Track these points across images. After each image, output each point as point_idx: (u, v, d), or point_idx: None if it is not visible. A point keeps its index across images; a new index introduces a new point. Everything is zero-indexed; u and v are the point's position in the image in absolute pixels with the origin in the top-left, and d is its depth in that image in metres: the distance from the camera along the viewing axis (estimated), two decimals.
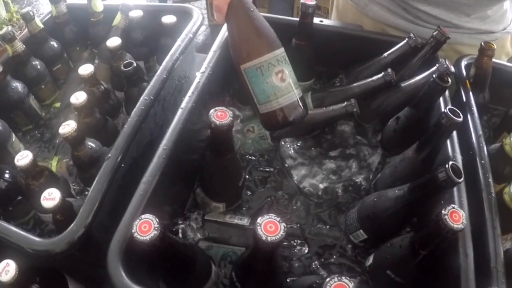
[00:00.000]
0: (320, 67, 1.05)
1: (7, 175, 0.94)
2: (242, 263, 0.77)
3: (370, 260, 0.85)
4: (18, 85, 1.07)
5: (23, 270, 0.75)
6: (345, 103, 0.94)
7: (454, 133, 0.87)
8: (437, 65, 0.95)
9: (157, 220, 0.66)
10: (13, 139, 1.04)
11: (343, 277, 0.57)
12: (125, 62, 0.98)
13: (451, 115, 0.77)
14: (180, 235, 0.87)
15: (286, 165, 0.95)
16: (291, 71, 0.84)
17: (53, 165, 1.06)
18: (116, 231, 0.75)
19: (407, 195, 0.80)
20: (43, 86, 1.14)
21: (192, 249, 0.80)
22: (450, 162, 0.72)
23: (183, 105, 0.89)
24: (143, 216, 0.67)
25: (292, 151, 0.96)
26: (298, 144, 0.98)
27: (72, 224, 0.78)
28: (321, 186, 0.93)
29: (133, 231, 0.65)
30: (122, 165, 0.85)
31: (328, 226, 0.90)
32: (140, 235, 0.65)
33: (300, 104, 0.84)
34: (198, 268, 0.81)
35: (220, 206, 0.91)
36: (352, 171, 0.95)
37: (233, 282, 0.79)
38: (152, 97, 0.92)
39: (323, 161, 0.96)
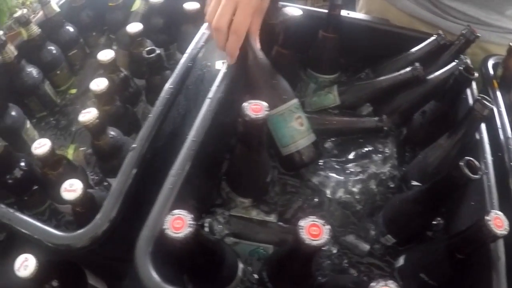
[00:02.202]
0: (345, 60, 0.96)
1: (22, 164, 0.83)
2: (276, 264, 0.68)
3: (401, 261, 0.77)
4: (33, 70, 0.96)
5: (42, 265, 0.65)
6: (377, 118, 0.88)
7: (484, 132, 0.80)
8: (457, 61, 0.87)
9: (191, 216, 0.57)
10: (28, 126, 0.94)
11: (388, 282, 0.51)
12: (147, 48, 0.87)
13: (484, 101, 0.72)
14: (207, 230, 0.78)
15: (317, 183, 0.86)
16: (306, 117, 0.85)
17: (70, 153, 0.95)
18: (144, 225, 0.65)
19: (426, 195, 0.73)
20: (58, 72, 1.02)
21: (221, 246, 0.72)
22: (466, 158, 0.67)
23: (210, 95, 0.79)
24: (175, 212, 0.57)
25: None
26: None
27: (96, 218, 0.68)
28: (355, 189, 0.84)
29: (165, 227, 0.56)
30: (147, 156, 0.76)
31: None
32: (173, 232, 0.56)
33: (315, 146, 0.85)
34: (226, 266, 0.72)
35: (246, 202, 0.82)
36: (377, 165, 0.87)
37: (263, 282, 0.71)
38: (177, 86, 0.82)
39: (345, 166, 0.87)
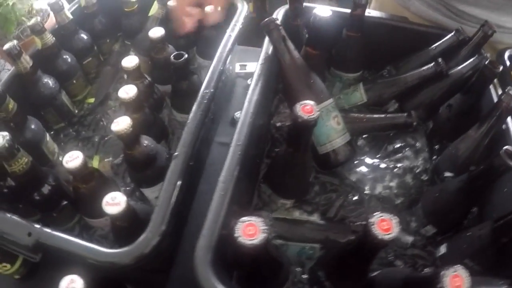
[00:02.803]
0: (367, 58, 0.94)
1: (50, 179, 0.76)
2: (337, 262, 0.65)
3: (443, 250, 0.75)
4: (49, 80, 0.89)
5: (89, 286, 0.59)
6: (405, 114, 0.86)
7: (510, 122, 0.80)
8: (477, 55, 0.87)
9: (261, 220, 0.53)
10: (48, 139, 0.86)
11: (458, 268, 0.52)
12: (175, 53, 0.82)
13: None
14: None
15: (354, 180, 0.83)
16: (341, 116, 0.83)
17: (95, 165, 0.88)
18: (200, 235, 0.61)
19: (467, 185, 0.72)
20: (74, 81, 0.95)
21: (279, 250, 0.68)
22: (505, 148, 0.67)
23: (248, 98, 0.75)
24: (244, 219, 0.53)
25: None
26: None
27: (146, 232, 0.63)
28: (393, 184, 0.82)
29: (237, 235, 0.52)
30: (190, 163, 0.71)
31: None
32: (247, 240, 0.51)
33: (350, 145, 0.83)
34: (283, 268, 0.68)
35: (288, 203, 0.78)
36: (410, 159, 0.85)
37: (319, 281, 0.67)
38: (212, 90, 0.78)
39: (379, 163, 0.85)
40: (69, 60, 0.93)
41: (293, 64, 0.80)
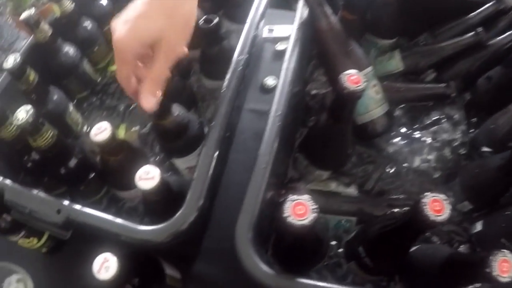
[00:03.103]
0: (403, 24, 0.87)
1: (77, 152, 0.71)
2: (380, 239, 0.61)
3: (478, 227, 0.72)
4: (70, 49, 0.83)
5: (123, 264, 0.55)
6: (444, 84, 0.81)
7: None
8: None
9: (310, 199, 0.49)
10: (71, 109, 0.81)
11: (507, 253, 0.49)
12: (204, 17, 0.75)
13: None
14: None
15: (392, 151, 0.78)
16: (380, 85, 0.78)
17: (121, 134, 0.83)
18: (240, 211, 0.58)
19: (509, 162, 0.67)
20: (96, 48, 0.89)
21: (322, 226, 0.64)
22: None
23: (285, 65, 0.70)
24: (293, 197, 0.50)
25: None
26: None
27: (183, 207, 0.59)
28: (431, 157, 0.77)
29: (285, 215, 0.48)
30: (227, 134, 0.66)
31: None
32: (297, 220, 0.48)
33: (389, 116, 0.79)
34: (324, 244, 0.65)
35: (324, 174, 0.74)
36: (448, 131, 0.80)
37: (356, 256, 0.64)
38: (246, 56, 0.71)
39: (417, 134, 0.80)
40: (89, 26, 0.87)
41: (330, 29, 0.74)
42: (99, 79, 0.92)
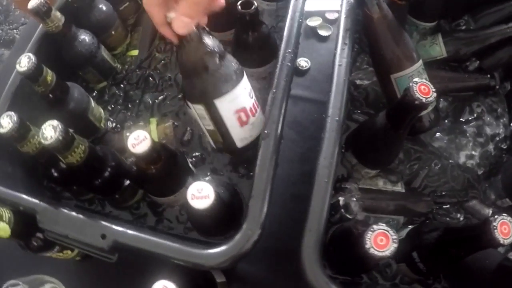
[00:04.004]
0: (444, 6, 0.76)
1: (110, 161, 0.61)
2: (438, 249, 0.56)
3: None
4: (86, 37, 0.70)
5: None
6: (488, 75, 0.74)
7: None
8: None
9: (392, 230, 0.46)
10: (93, 105, 0.70)
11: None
12: (243, 1, 0.63)
13: None
14: (343, 210, 0.64)
15: (437, 146, 0.71)
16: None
17: (153, 130, 0.71)
18: (305, 229, 0.51)
19: None
20: (113, 32, 0.75)
21: None
22: None
23: (337, 59, 0.60)
24: (375, 227, 0.46)
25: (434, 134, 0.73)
26: None
27: (245, 227, 0.52)
28: (475, 153, 0.71)
29: (367, 246, 0.45)
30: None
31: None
32: (378, 251, 0.45)
33: (436, 111, 0.71)
34: None
35: (372, 172, 0.68)
36: (491, 125, 0.74)
37: (411, 260, 0.59)
38: (295, 49, 0.61)
39: (461, 128, 0.73)
40: (104, 8, 0.73)
41: (383, 17, 0.63)
42: (119, 66, 0.78)
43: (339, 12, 0.85)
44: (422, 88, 0.51)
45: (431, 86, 0.52)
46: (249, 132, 0.59)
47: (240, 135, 0.59)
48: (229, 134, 0.59)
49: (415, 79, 0.52)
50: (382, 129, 0.59)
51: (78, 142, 0.55)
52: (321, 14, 0.88)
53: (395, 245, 0.45)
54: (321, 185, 0.53)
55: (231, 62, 0.56)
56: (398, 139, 0.60)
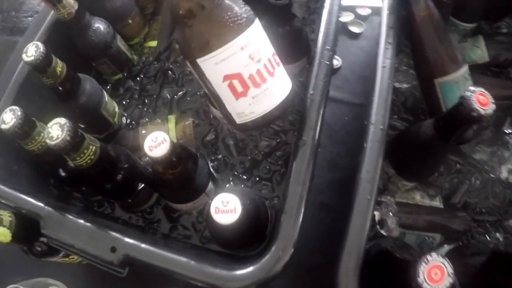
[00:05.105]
0: (485, 6, 0.67)
1: (123, 163, 0.52)
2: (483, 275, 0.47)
3: None
4: (101, 25, 0.61)
5: None
6: None
7: None
8: None
9: (448, 263, 0.37)
10: (106, 99, 0.60)
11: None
12: None
13: None
14: (378, 226, 0.55)
15: (478, 159, 0.62)
16: None
17: (171, 128, 0.62)
18: (343, 253, 0.43)
19: None
20: (130, 21, 0.66)
21: None
22: None
23: (380, 62, 0.50)
24: (430, 259, 0.37)
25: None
26: None
27: (274, 247, 0.43)
28: None
29: (419, 280, 0.37)
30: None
31: None
32: (430, 285, 0.37)
33: None
34: None
35: (409, 185, 0.59)
36: None
37: None
38: (334, 46, 0.52)
39: (503, 140, 0.64)
40: None
41: (429, 16, 0.54)
42: (135, 57, 0.69)
43: (371, 8, 0.76)
44: (481, 99, 0.43)
45: (490, 96, 0.43)
46: (248, 107, 0.44)
47: (236, 109, 0.45)
48: (223, 104, 0.45)
49: (472, 88, 0.43)
50: (427, 140, 0.50)
51: (89, 143, 0.46)
52: (352, 9, 0.78)
53: (451, 280, 0.36)
54: (362, 203, 0.44)
55: (225, 10, 0.41)
56: (445, 151, 0.51)
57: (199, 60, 0.42)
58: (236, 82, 0.43)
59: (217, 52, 0.41)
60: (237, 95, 0.43)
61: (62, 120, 0.44)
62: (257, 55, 0.43)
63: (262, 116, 0.44)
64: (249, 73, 0.43)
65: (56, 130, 0.44)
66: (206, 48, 0.41)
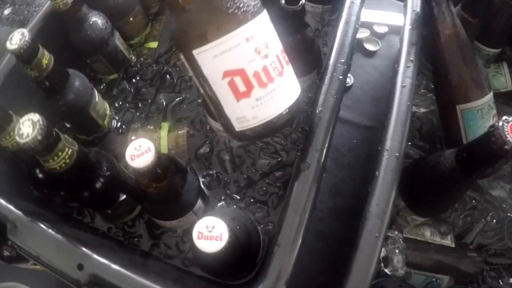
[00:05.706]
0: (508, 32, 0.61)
1: (104, 171, 0.45)
2: None
3: None
4: (98, 20, 0.55)
5: None
6: None
7: None
8: None
9: None
10: (96, 99, 0.54)
11: None
12: None
13: None
14: (382, 264, 0.48)
15: (495, 195, 0.55)
16: None
17: (162, 136, 0.55)
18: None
19: None
20: (131, 19, 0.60)
21: None
22: None
23: (399, 81, 0.44)
24: None
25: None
26: None
27: (263, 284, 0.36)
28: None
29: None
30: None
31: None
32: None
33: None
34: None
35: (419, 220, 0.51)
36: None
37: None
38: (348, 60, 0.45)
39: None
40: None
41: (455, 35, 0.48)
42: (133, 58, 0.63)
43: (389, 26, 0.70)
44: None
45: None
46: (251, 110, 0.37)
47: (236, 113, 0.38)
48: (221, 107, 0.38)
49: (505, 117, 0.37)
50: (447, 172, 0.43)
51: (64, 145, 0.40)
52: (368, 25, 0.72)
53: None
54: (369, 241, 0.37)
55: None
56: (465, 186, 0.44)
57: (195, 52, 0.35)
58: (238, 80, 0.36)
59: (218, 42, 0.34)
60: (238, 95, 0.36)
61: (36, 117, 0.37)
62: (265, 50, 0.36)
63: (264, 124, 0.37)
64: (254, 69, 0.36)
65: (27, 127, 0.37)
66: (205, 37, 0.34)
